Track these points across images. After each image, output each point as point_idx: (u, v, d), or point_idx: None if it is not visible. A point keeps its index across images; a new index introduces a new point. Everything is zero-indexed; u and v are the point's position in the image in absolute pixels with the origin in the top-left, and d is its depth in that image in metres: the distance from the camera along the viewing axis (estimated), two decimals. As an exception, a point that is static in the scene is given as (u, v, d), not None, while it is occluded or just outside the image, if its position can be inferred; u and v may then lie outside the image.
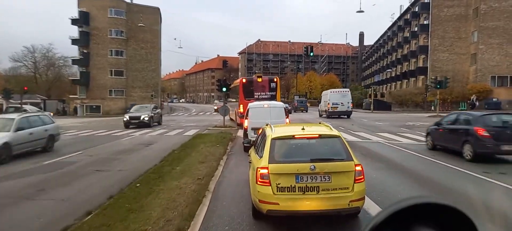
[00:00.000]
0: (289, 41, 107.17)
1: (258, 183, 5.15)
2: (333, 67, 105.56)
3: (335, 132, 5.94)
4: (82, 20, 56.02)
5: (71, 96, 60.08)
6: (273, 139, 5.57)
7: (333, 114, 31.74)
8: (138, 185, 7.79)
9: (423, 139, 15.89)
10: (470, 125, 10.95)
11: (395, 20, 67.19)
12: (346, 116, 31.83)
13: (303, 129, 5.88)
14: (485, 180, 8.29)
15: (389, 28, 71.54)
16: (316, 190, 5.02)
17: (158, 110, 29.69)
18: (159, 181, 8.01)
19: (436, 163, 10.52)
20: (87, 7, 56.29)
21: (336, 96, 32.43)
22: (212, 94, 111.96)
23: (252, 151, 7.05)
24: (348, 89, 37.02)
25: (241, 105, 22.05)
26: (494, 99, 42.35)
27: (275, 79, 24.07)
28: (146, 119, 25.33)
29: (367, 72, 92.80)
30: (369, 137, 17.05)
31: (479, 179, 8.43)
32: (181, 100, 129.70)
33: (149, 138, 18.65)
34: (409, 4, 58.62)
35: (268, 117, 12.84)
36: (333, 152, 5.57)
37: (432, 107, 45.16)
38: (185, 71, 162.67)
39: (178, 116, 45.61)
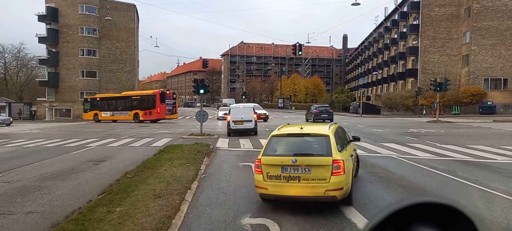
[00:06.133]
0: (273, 43, 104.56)
1: (255, 171, 6.55)
2: (317, 70, 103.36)
3: (324, 132, 6.59)
4: (50, 16, 51.61)
5: (39, 99, 55.44)
6: (272, 136, 6.80)
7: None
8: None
9: (441, 151, 13.32)
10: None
11: (381, 22, 65.19)
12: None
13: (301, 128, 6.88)
14: None
15: (374, 30, 69.51)
16: (298, 179, 6.01)
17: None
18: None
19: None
20: (55, 3, 51.90)
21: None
22: (195, 97, 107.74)
23: None
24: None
25: (159, 108, 35.86)
26: (489, 103, 40.50)
27: (175, 93, 40.44)
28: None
29: (351, 75, 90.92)
30: (375, 149, 14.10)
31: None
32: None
33: (105, 152, 15.13)
34: (395, 4, 56.63)
35: (243, 113, 20.03)
36: (316, 148, 6.43)
37: (424, 111, 43.03)
38: (167, 73, 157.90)
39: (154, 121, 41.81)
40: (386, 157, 12.35)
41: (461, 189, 7.90)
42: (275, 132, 6.89)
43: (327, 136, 6.36)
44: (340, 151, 6.32)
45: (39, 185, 8.89)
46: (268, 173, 6.16)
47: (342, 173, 5.96)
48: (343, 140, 7.33)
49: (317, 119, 29.85)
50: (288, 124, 7.94)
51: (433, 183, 8.63)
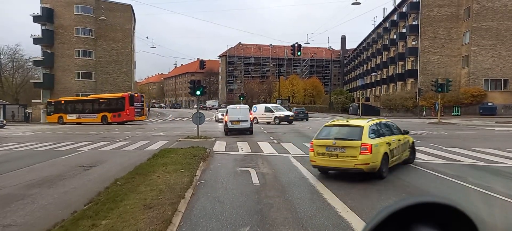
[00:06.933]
0: (271, 44, 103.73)
1: (309, 150, 9.33)
2: (315, 71, 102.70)
3: (361, 124, 8.97)
4: (45, 17, 50.88)
5: (33, 100, 54.63)
6: (324, 126, 9.51)
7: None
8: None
9: (447, 154, 12.80)
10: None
11: (380, 22, 64.75)
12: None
13: (347, 120, 9.67)
14: None
15: (373, 31, 69.06)
16: (336, 156, 8.62)
17: None
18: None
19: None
20: (50, 3, 51.20)
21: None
22: (192, 98, 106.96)
23: None
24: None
25: (128, 110, 37.92)
26: (489, 104, 40.10)
27: (143, 95, 43.60)
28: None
29: (350, 76, 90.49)
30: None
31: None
32: (161, 105, 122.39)
33: (97, 156, 14.52)
34: (394, 5, 56.20)
35: (239, 114, 21.25)
36: (352, 134, 8.76)
37: (424, 112, 42.62)
38: (164, 75, 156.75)
39: (150, 123, 41.25)
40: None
41: (475, 197, 7.37)
42: (328, 123, 9.65)
43: (361, 127, 8.74)
44: (372, 138, 8.51)
45: (23, 193, 8.30)
46: (318, 151, 8.90)
47: (369, 153, 8.16)
48: (381, 131, 9.31)
49: (296, 118, 36.56)
50: (339, 119, 10.54)
51: (444, 189, 8.10)
